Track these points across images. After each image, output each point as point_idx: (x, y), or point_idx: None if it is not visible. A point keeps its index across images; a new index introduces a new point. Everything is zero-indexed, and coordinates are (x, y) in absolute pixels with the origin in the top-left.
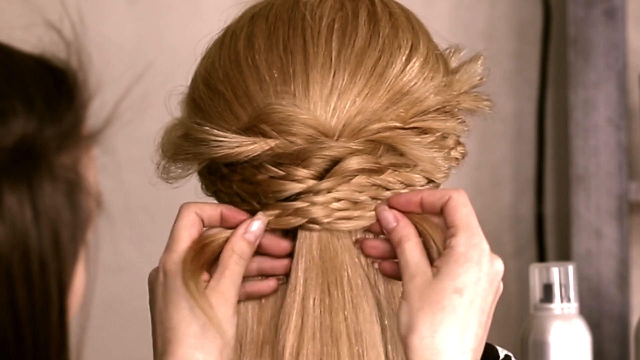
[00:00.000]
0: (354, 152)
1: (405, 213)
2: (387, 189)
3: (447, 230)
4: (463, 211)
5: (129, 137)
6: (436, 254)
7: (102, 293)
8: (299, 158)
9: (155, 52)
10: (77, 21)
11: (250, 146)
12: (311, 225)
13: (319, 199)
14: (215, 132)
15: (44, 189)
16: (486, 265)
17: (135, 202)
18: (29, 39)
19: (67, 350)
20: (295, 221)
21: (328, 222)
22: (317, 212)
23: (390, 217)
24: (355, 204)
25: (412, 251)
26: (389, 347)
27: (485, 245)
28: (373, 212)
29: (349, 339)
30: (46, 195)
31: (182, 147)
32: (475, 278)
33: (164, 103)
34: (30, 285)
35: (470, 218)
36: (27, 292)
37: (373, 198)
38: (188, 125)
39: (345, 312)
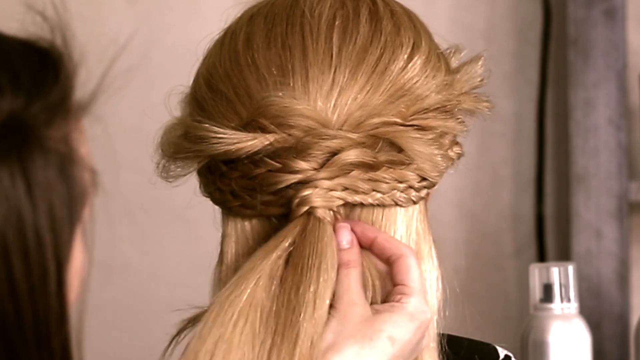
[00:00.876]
0: (353, 145)
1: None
2: (382, 183)
3: (397, 286)
4: (414, 273)
5: (128, 136)
6: (370, 294)
7: (101, 293)
8: (298, 151)
9: (155, 52)
10: (59, 3)
11: (250, 142)
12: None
13: (321, 185)
14: (215, 129)
15: (36, 162)
16: (419, 334)
17: (135, 202)
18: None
19: (68, 322)
20: (298, 211)
21: (322, 210)
22: (318, 201)
23: (347, 237)
24: (350, 195)
25: (357, 279)
26: None
27: (428, 316)
28: (360, 197)
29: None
30: (38, 168)
31: (182, 145)
32: (408, 338)
33: (163, 103)
34: (27, 258)
35: (420, 282)
36: (24, 265)
37: (368, 192)
38: (188, 124)
39: (307, 296)
